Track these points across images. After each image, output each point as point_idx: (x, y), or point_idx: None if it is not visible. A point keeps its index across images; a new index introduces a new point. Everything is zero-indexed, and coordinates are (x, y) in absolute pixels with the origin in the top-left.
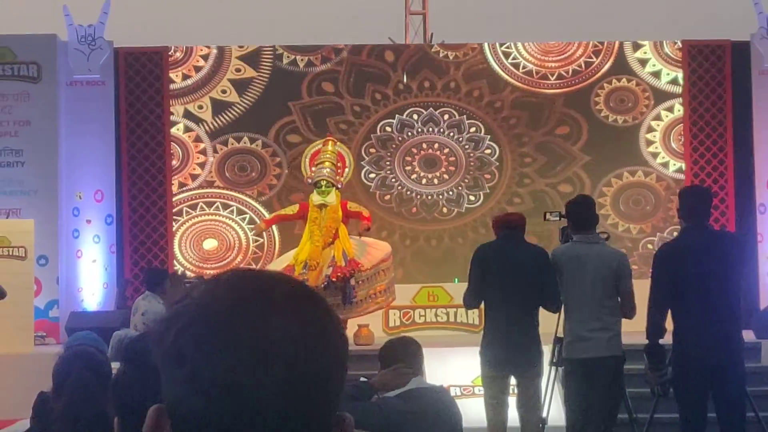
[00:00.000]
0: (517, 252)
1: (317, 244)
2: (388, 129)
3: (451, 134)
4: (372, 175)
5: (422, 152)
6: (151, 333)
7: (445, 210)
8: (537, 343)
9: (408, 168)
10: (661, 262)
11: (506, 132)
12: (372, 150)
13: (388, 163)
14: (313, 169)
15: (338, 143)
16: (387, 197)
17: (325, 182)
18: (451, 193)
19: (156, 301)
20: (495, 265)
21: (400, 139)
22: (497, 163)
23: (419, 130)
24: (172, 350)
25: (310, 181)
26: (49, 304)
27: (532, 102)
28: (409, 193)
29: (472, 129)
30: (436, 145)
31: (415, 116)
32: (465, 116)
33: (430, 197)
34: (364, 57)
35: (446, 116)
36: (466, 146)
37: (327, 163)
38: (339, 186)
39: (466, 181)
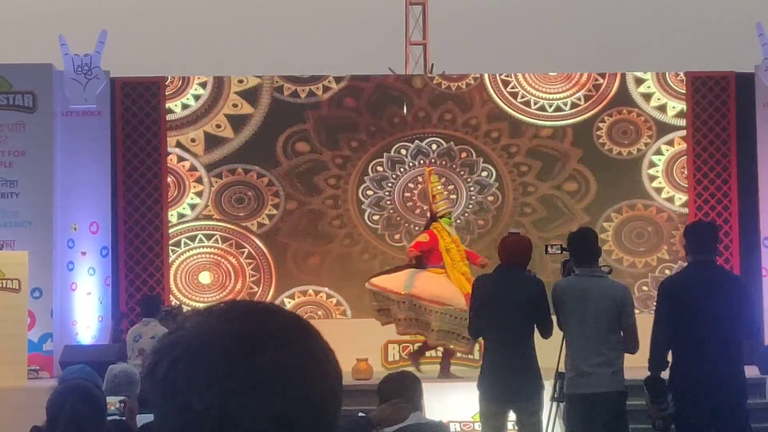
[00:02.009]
0: (512, 285)
1: (463, 272)
2: (403, 152)
3: (444, 163)
4: (375, 217)
5: (419, 185)
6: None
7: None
8: (534, 376)
9: (410, 204)
10: (665, 294)
11: (511, 169)
12: (380, 168)
13: (388, 202)
14: (434, 199)
15: (434, 173)
16: (396, 236)
17: (450, 213)
18: (459, 221)
19: (159, 325)
20: (489, 299)
21: (394, 177)
22: (497, 184)
23: (410, 164)
24: (164, 382)
25: (433, 212)
26: (43, 338)
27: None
28: (417, 228)
29: (484, 173)
30: (443, 180)
31: (403, 151)
32: (481, 158)
33: (417, 228)
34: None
35: (434, 146)
36: (472, 188)
37: (440, 196)
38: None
39: (459, 221)
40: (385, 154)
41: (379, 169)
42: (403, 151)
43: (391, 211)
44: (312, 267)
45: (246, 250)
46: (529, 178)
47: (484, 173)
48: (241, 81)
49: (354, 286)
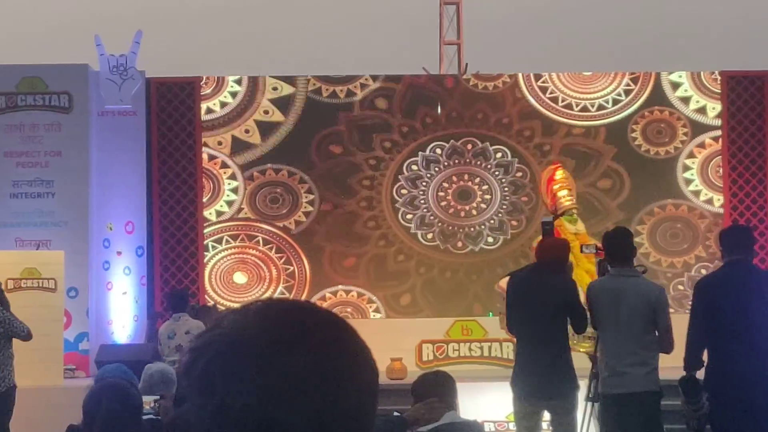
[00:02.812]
0: (545, 285)
1: (587, 270)
2: (438, 151)
3: (497, 173)
4: (409, 216)
5: (461, 182)
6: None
7: (491, 239)
8: (568, 375)
9: (441, 194)
10: (700, 293)
11: (532, 152)
12: (414, 167)
13: (422, 201)
14: (555, 197)
15: (565, 170)
16: (429, 235)
17: (575, 210)
18: (492, 221)
19: (190, 319)
20: (522, 298)
21: (446, 164)
22: (529, 213)
23: (445, 164)
24: (201, 380)
25: (552, 209)
26: (78, 337)
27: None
28: (450, 228)
29: (519, 174)
30: (477, 180)
31: (438, 150)
32: (516, 159)
33: (472, 229)
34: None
35: (499, 154)
36: (506, 188)
37: (566, 191)
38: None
39: (504, 207)
40: (420, 153)
41: (414, 168)
42: (439, 150)
43: (425, 210)
44: (347, 268)
45: (279, 249)
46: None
47: (519, 174)
48: (275, 88)
49: (388, 287)
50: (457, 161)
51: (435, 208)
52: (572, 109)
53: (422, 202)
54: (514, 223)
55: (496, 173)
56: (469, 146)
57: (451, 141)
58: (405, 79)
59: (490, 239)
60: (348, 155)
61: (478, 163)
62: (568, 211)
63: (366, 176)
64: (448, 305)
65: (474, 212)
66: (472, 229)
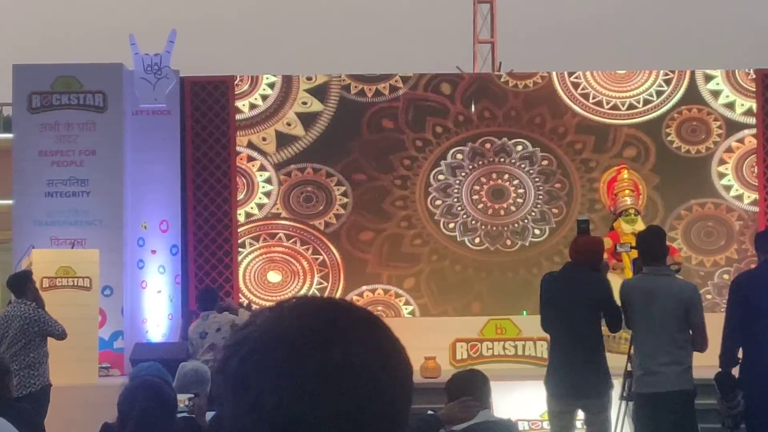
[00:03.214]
0: (579, 283)
1: None
2: (459, 156)
3: (523, 166)
4: (438, 202)
5: (491, 182)
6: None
7: (509, 242)
8: (602, 374)
9: (475, 197)
10: (736, 289)
11: (573, 157)
12: (441, 177)
13: (456, 190)
14: (615, 197)
15: (631, 171)
16: (451, 225)
17: (633, 210)
18: (516, 225)
19: (218, 315)
20: (555, 297)
21: (470, 167)
22: (566, 198)
23: (490, 159)
24: (236, 377)
25: (612, 209)
26: (113, 335)
27: (598, 130)
28: (474, 222)
29: (545, 162)
30: (506, 176)
31: (488, 145)
32: (538, 148)
33: (494, 228)
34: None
35: (519, 147)
36: (537, 179)
37: (627, 191)
38: (642, 213)
39: (533, 214)
40: (442, 162)
41: (441, 177)
42: (460, 156)
43: (460, 211)
44: (408, 289)
45: (314, 248)
46: (596, 174)
47: (545, 162)
48: (309, 78)
49: (455, 299)
50: (480, 162)
51: (473, 212)
52: (607, 108)
53: (459, 209)
54: (555, 211)
55: (522, 166)
56: (488, 145)
57: (504, 138)
58: (441, 77)
59: (537, 231)
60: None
61: (501, 160)
62: (626, 211)
63: (399, 175)
64: (483, 303)
65: (513, 208)
66: (516, 225)
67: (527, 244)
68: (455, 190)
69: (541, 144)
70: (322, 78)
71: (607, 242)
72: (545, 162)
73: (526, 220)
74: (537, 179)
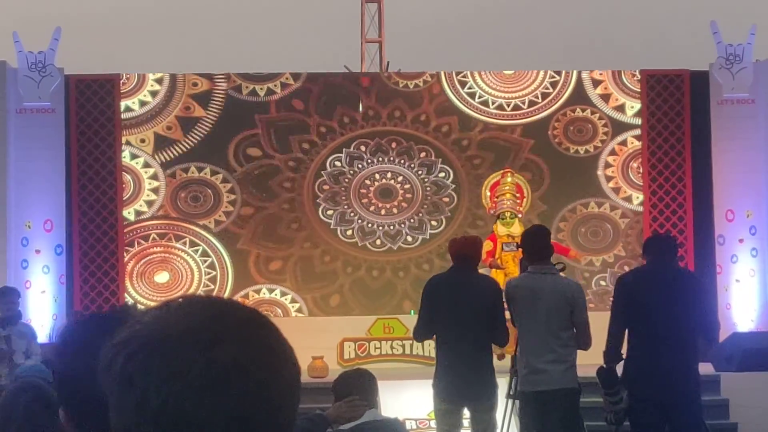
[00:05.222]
0: (467, 285)
1: (510, 273)
2: (338, 164)
3: (402, 161)
4: (330, 212)
5: (376, 183)
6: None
7: (410, 238)
8: (490, 376)
9: (365, 201)
10: (620, 287)
11: (458, 156)
12: (326, 187)
13: (344, 198)
14: (496, 200)
15: (516, 174)
16: (349, 232)
17: (509, 213)
18: (412, 220)
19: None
20: (444, 299)
21: (351, 172)
22: (453, 186)
23: (369, 161)
24: (121, 376)
25: (492, 212)
26: None
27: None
28: (370, 225)
29: (422, 154)
30: (389, 175)
31: (363, 147)
32: (413, 142)
33: (392, 227)
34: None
35: (393, 144)
36: (419, 172)
37: (508, 195)
38: (520, 216)
39: (425, 206)
40: (344, 150)
41: (337, 164)
42: (363, 147)
43: (346, 207)
44: (273, 270)
45: (201, 248)
46: (483, 170)
47: (442, 174)
48: (195, 84)
49: (316, 289)
50: (380, 159)
51: (356, 205)
52: (494, 108)
53: (353, 214)
54: (434, 222)
55: (419, 173)
56: (394, 144)
57: (376, 138)
58: (321, 78)
59: (434, 223)
60: (267, 158)
61: (402, 161)
62: (502, 214)
63: (287, 178)
64: (377, 303)
65: (395, 210)
66: (412, 220)
67: (428, 237)
68: (343, 198)
69: (423, 141)
70: (207, 81)
71: (488, 245)
72: (442, 174)
73: (420, 214)
74: (419, 172)
